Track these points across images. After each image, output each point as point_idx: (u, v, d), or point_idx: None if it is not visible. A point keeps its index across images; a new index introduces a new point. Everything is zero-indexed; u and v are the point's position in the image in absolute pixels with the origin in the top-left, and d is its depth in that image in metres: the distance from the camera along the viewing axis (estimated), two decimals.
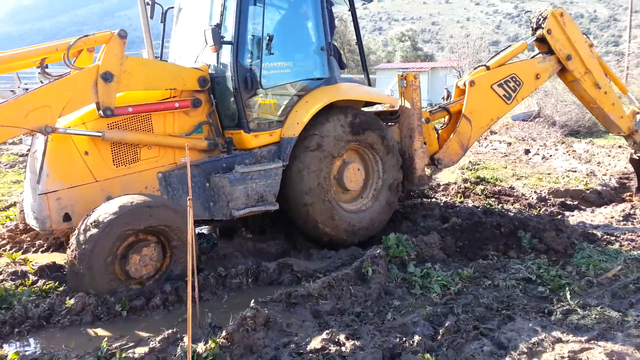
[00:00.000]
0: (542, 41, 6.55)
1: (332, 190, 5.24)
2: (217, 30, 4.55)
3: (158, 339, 3.20)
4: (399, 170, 5.69)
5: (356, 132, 5.28)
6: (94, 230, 3.76)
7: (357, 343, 3.29)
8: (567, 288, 4.14)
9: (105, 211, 3.86)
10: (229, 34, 4.79)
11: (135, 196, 4.09)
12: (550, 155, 11.85)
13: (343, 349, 3.24)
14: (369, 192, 5.62)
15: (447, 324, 3.52)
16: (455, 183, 7.89)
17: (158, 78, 4.62)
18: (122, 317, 3.68)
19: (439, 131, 6.38)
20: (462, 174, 8.91)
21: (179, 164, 4.73)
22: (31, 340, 3.40)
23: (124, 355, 3.07)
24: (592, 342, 3.39)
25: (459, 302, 3.97)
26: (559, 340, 3.41)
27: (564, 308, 3.84)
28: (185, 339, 3.18)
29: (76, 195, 4.25)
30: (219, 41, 4.57)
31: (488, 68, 6.37)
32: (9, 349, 3.23)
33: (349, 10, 5.86)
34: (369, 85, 6.04)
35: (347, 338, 3.37)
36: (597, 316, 3.71)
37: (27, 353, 3.12)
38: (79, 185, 4.29)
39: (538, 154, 12.13)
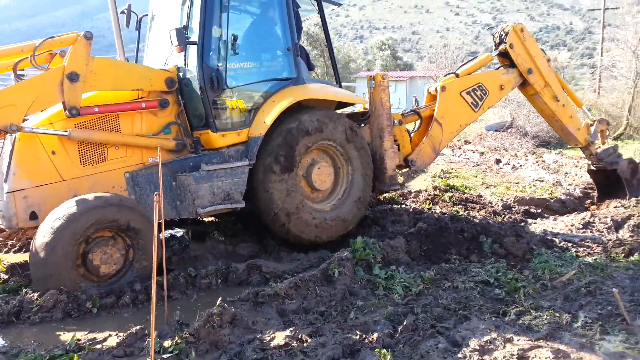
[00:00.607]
0: (504, 55, 6.86)
1: (300, 188, 5.35)
2: (181, 30, 4.67)
3: (125, 334, 3.32)
4: (369, 170, 5.80)
5: (320, 130, 5.37)
6: (55, 227, 3.86)
7: (319, 340, 3.44)
8: (522, 291, 4.36)
9: (66, 209, 3.96)
10: (195, 35, 4.91)
11: (94, 195, 4.19)
12: (520, 165, 12.22)
13: (305, 345, 3.39)
14: (338, 192, 5.71)
15: (405, 323, 3.71)
16: (426, 190, 8.12)
17: (125, 78, 4.70)
18: (93, 314, 3.79)
19: (411, 134, 6.59)
20: (433, 182, 9.16)
21: (147, 164, 4.81)
22: (1, 336, 3.46)
23: (92, 349, 3.17)
24: (540, 341, 3.59)
25: (419, 302, 4.15)
26: (510, 340, 3.60)
27: (518, 309, 4.05)
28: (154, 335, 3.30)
29: (43, 194, 4.33)
30: (183, 41, 4.69)
31: (457, 76, 6.65)
32: None
33: (318, 12, 6.01)
34: (340, 86, 6.17)
35: (310, 335, 3.52)
36: (548, 317, 3.92)
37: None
38: (46, 184, 4.37)
39: (508, 164, 12.49)
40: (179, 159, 4.97)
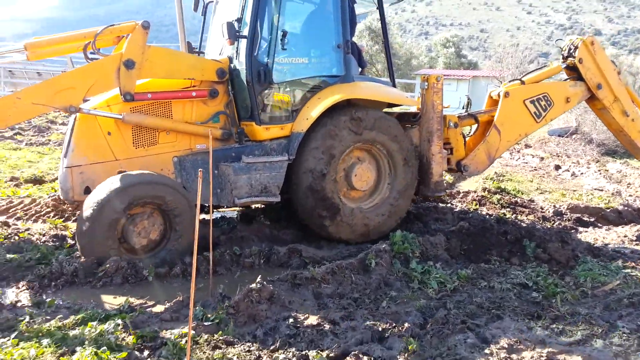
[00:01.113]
0: (572, 69, 6.63)
1: (338, 186, 5.39)
2: (232, 24, 4.81)
3: (173, 301, 3.63)
4: (413, 175, 5.76)
5: (365, 131, 5.38)
6: (97, 200, 4.15)
7: (350, 324, 3.61)
8: (559, 296, 4.33)
9: (108, 184, 4.26)
10: (247, 28, 5.01)
11: (135, 172, 4.46)
12: (581, 173, 11.78)
13: (336, 327, 3.57)
14: (378, 193, 5.71)
15: (436, 316, 3.81)
16: (475, 191, 8.05)
17: (177, 67, 4.93)
18: (148, 282, 4.14)
19: (466, 138, 6.50)
20: (484, 184, 9.05)
21: (194, 150, 5.05)
22: (65, 294, 3.87)
23: (142, 312, 3.50)
24: (572, 346, 3.59)
25: (453, 298, 4.22)
26: (542, 342, 3.62)
27: (553, 314, 4.04)
28: (198, 304, 3.60)
29: (97, 171, 4.65)
30: (234, 35, 4.84)
31: (523, 83, 6.51)
32: (47, 298, 3.70)
33: (377, 8, 5.93)
34: (394, 84, 6.10)
35: (342, 318, 3.70)
36: (584, 324, 3.90)
37: (61, 303, 3.59)
38: (101, 162, 4.70)
39: (568, 171, 12.07)
40: (223, 148, 5.14)
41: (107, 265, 4.06)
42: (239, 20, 5.08)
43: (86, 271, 4.00)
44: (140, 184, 4.31)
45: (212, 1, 6.08)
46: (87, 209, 4.17)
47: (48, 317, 3.36)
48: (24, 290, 3.85)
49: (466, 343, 3.49)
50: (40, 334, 3.11)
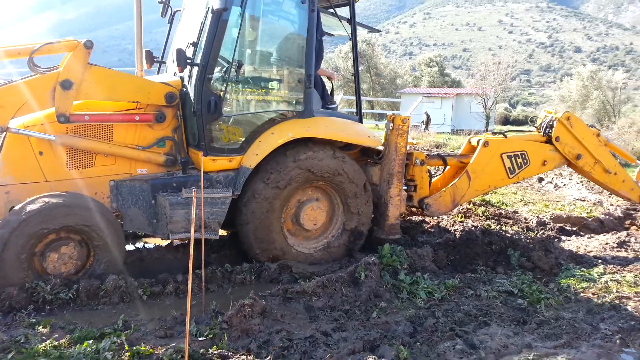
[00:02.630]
0: (549, 141, 6.60)
1: (285, 226, 5.20)
2: (182, 51, 4.59)
3: (168, 318, 3.70)
4: (362, 217, 5.49)
5: (315, 174, 5.13)
6: (6, 228, 3.93)
7: (342, 334, 3.70)
8: (543, 302, 4.46)
9: (22, 209, 4.02)
10: (200, 54, 4.76)
11: (52, 195, 4.20)
12: (564, 184, 12.05)
13: (329, 338, 3.65)
14: (327, 235, 5.48)
15: (425, 324, 3.92)
16: (460, 204, 8.22)
17: (121, 90, 4.68)
18: (142, 301, 4.20)
19: (432, 179, 6.33)
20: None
21: (134, 175, 4.80)
22: (59, 315, 3.90)
23: (137, 329, 3.56)
24: (557, 348, 3.72)
25: (441, 307, 4.33)
26: (528, 346, 3.73)
27: (538, 319, 4.16)
28: (192, 321, 3.66)
29: (25, 192, 4.35)
30: (184, 63, 4.61)
31: (505, 137, 6.47)
32: (42, 319, 3.74)
33: (350, 39, 5.73)
34: (360, 120, 5.81)
35: (333, 330, 3.78)
36: (568, 327, 4.03)
37: (56, 323, 3.64)
38: (29, 182, 4.42)
39: (551, 183, 12.33)
40: (163, 177, 4.86)
41: (107, 284, 4.09)
42: (195, 44, 4.87)
43: (88, 293, 4.03)
44: (58, 207, 4.07)
45: (180, 10, 5.89)
46: (6, 225, 3.95)
47: (44, 338, 3.40)
48: (17, 312, 3.87)
49: (455, 349, 3.59)
50: (37, 354, 3.15)
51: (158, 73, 5.97)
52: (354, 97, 6.31)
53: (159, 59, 5.92)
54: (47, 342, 3.31)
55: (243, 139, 5.06)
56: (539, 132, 6.68)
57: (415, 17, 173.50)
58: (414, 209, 6.61)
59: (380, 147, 5.72)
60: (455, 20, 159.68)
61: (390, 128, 5.66)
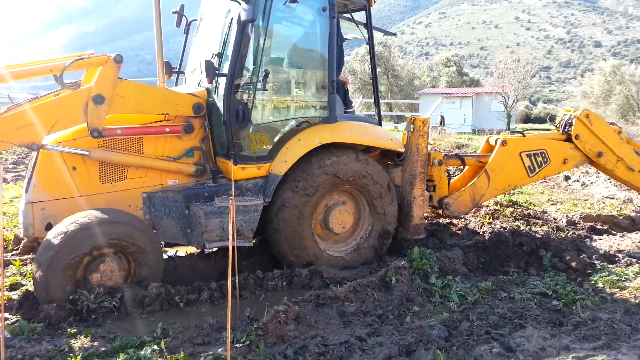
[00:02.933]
0: (569, 139, 6.51)
1: (315, 231, 5.21)
2: (211, 63, 4.63)
3: (204, 325, 3.75)
4: (388, 217, 5.51)
5: (341, 178, 5.17)
6: (55, 243, 3.95)
7: (377, 339, 3.71)
8: (579, 303, 4.40)
9: (68, 224, 4.05)
10: (227, 64, 4.82)
11: (94, 212, 4.22)
12: (591, 182, 11.85)
13: (364, 343, 3.66)
14: (355, 237, 5.50)
15: (460, 328, 3.90)
16: (487, 206, 8.15)
17: (150, 103, 4.74)
18: (179, 308, 4.26)
19: (451, 179, 6.32)
20: (495, 197, 9.14)
21: (165, 186, 4.85)
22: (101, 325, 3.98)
23: (175, 337, 3.62)
24: (597, 350, 3.67)
25: (474, 310, 4.30)
26: (566, 348, 3.70)
27: (575, 320, 4.11)
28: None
29: (60, 207, 4.42)
30: (212, 74, 4.65)
31: (524, 136, 6.43)
32: (84, 329, 3.83)
33: (367, 43, 5.78)
34: (380, 122, 5.87)
35: (368, 335, 3.80)
36: (606, 328, 3.97)
37: (98, 333, 3.73)
38: (64, 198, 4.48)
39: (578, 181, 12.14)
40: (195, 187, 4.92)
41: (150, 291, 4.15)
42: (220, 54, 4.96)
43: (131, 301, 4.09)
44: (104, 224, 4.11)
45: (196, 19, 5.94)
46: (47, 249, 3.98)
47: (85, 347, 3.48)
48: (59, 323, 3.96)
49: (492, 352, 3.57)
50: None
51: (176, 84, 6.07)
52: (372, 100, 6.36)
53: (176, 69, 5.99)
54: (90, 350, 3.40)
55: (270, 147, 5.12)
56: (559, 130, 6.61)
57: (430, 17, 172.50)
58: (439, 211, 6.60)
59: (401, 149, 5.78)
60: (471, 19, 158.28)
61: (411, 130, 5.71)
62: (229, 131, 4.82)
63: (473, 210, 7.87)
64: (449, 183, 6.20)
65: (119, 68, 4.47)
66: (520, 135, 6.42)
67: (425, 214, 5.89)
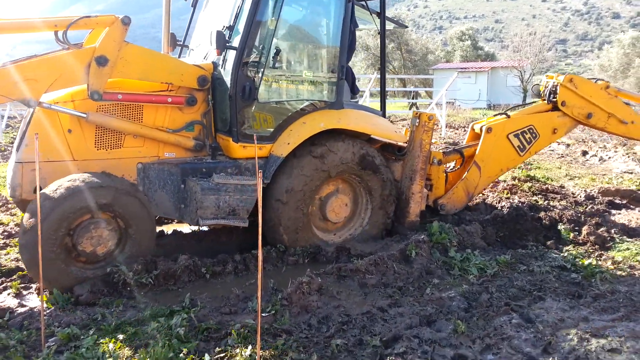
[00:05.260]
0: (556, 107, 6.37)
1: (311, 210, 5.14)
2: (222, 34, 4.51)
3: (230, 296, 3.88)
4: (386, 214, 5.50)
5: (344, 164, 5.11)
6: (44, 205, 3.79)
7: (398, 310, 3.81)
8: (598, 275, 4.44)
9: (58, 186, 3.94)
10: (237, 38, 4.70)
11: (86, 175, 4.09)
12: (609, 157, 11.75)
13: (385, 314, 3.76)
14: (350, 227, 5.45)
15: (480, 299, 3.98)
16: (505, 181, 8.15)
17: (155, 70, 4.53)
18: (205, 279, 4.39)
19: (448, 174, 6.23)
20: (513, 173, 9.12)
21: (162, 158, 4.71)
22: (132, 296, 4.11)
23: (203, 306, 3.75)
24: (615, 321, 3.72)
25: (494, 283, 4.37)
26: (585, 319, 3.75)
27: (594, 293, 4.16)
28: (253, 298, 3.83)
29: (51, 170, 4.24)
30: (222, 46, 4.53)
31: (508, 117, 6.28)
32: (116, 299, 3.98)
33: (378, 32, 5.75)
34: (384, 114, 5.80)
35: (389, 306, 3.89)
36: (625, 300, 4.01)
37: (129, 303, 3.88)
38: (56, 160, 4.31)
39: (596, 156, 12.04)
40: (192, 161, 4.79)
41: (180, 264, 4.27)
42: (231, 27, 4.77)
43: (165, 275, 4.21)
44: (96, 188, 4.00)
45: None
46: (30, 218, 3.83)
47: (118, 316, 3.62)
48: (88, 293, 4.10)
49: (511, 323, 3.64)
50: (114, 331, 3.37)
51: (179, 56, 5.91)
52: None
53: (181, 43, 5.86)
54: (123, 319, 3.54)
55: (274, 128, 5.01)
56: (544, 100, 6.47)
57: None
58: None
59: (404, 144, 5.68)
60: None
61: (416, 124, 5.60)
62: (233, 106, 4.70)
63: (490, 186, 7.91)
64: (446, 180, 6.12)
65: (126, 30, 4.26)
66: (505, 116, 6.26)
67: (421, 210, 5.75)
